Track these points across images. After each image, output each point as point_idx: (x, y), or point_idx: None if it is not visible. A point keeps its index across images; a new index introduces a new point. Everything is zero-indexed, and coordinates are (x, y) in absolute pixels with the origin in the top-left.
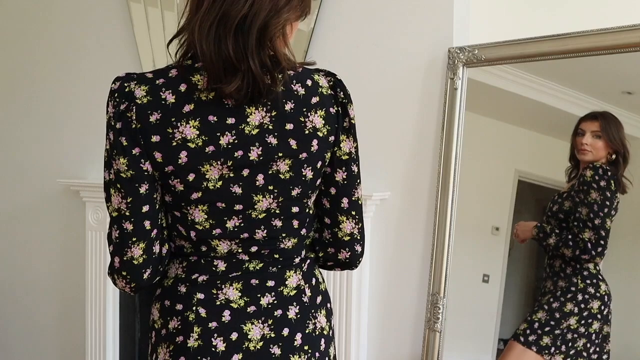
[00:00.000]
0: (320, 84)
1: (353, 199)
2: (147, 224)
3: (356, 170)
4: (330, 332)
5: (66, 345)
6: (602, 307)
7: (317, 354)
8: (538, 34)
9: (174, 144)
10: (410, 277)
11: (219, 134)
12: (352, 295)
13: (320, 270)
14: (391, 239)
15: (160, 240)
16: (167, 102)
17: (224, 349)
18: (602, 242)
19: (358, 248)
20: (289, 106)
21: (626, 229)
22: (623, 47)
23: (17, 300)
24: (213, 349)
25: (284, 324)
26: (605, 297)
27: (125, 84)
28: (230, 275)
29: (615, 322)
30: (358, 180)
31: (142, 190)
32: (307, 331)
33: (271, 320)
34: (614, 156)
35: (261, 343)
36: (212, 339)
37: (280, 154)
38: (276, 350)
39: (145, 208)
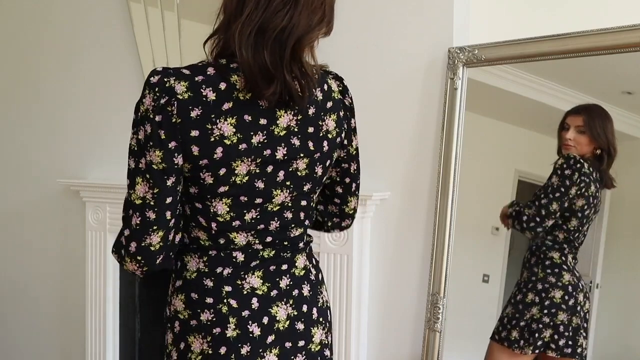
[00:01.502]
0: (332, 89)
1: (358, 182)
2: (168, 214)
3: (359, 159)
4: (329, 302)
5: (66, 345)
6: (567, 297)
7: (327, 325)
8: (538, 34)
9: (212, 139)
10: (410, 277)
11: (252, 132)
12: (352, 295)
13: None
14: (391, 239)
15: (175, 229)
16: (208, 99)
17: (259, 333)
18: (537, 219)
19: (349, 222)
20: (311, 111)
21: (626, 229)
22: (623, 47)
23: (17, 300)
24: (251, 335)
25: (302, 301)
26: (569, 287)
27: (165, 79)
28: (251, 265)
29: (615, 322)
30: (360, 167)
31: (169, 182)
32: (319, 305)
33: (292, 300)
34: (598, 151)
35: (288, 322)
36: (249, 326)
37: (301, 154)
38: (300, 326)
39: (169, 199)
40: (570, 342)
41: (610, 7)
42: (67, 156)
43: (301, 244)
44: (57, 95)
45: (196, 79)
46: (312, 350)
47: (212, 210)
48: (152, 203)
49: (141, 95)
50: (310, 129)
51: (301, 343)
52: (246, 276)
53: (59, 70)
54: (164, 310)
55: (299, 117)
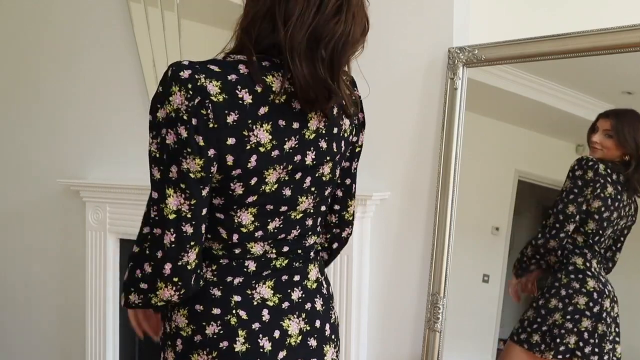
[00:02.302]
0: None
1: (355, 186)
2: (203, 227)
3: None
4: (337, 320)
5: (66, 346)
6: (591, 304)
7: (337, 343)
8: (538, 34)
9: (248, 147)
10: (410, 277)
11: (286, 138)
12: (352, 295)
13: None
14: (391, 239)
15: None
16: (245, 102)
17: (270, 348)
18: (557, 225)
19: (349, 230)
20: (335, 111)
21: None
22: (623, 47)
23: (17, 300)
24: (261, 350)
25: (315, 316)
26: (595, 293)
27: (196, 76)
28: (263, 274)
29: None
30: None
31: (204, 192)
32: (331, 321)
33: (304, 314)
34: (627, 157)
35: (300, 337)
36: (259, 340)
37: (328, 158)
38: (313, 342)
39: (204, 211)
40: (596, 350)
41: (610, 7)
42: (67, 156)
43: (312, 253)
44: (57, 95)
45: (229, 77)
46: None
47: (236, 221)
48: (189, 216)
49: (163, 91)
50: (335, 130)
51: (321, 355)
52: (257, 286)
53: (59, 70)
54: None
55: (326, 119)
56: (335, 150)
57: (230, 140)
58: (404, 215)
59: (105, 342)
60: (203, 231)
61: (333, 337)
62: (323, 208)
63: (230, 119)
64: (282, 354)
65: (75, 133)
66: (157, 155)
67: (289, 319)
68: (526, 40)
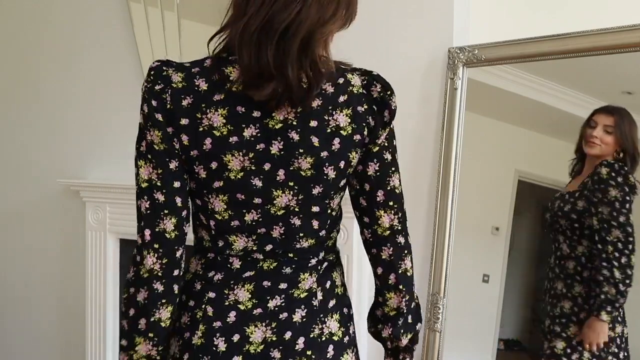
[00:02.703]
0: (352, 83)
1: (388, 188)
2: (178, 200)
3: (389, 157)
4: (346, 339)
5: (66, 345)
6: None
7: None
8: (538, 34)
9: (201, 129)
10: None
11: (244, 125)
12: (352, 295)
13: (340, 273)
14: None
15: (189, 225)
16: (200, 88)
17: (224, 349)
18: (630, 239)
19: (401, 240)
20: (315, 103)
21: None
22: (623, 47)
23: (17, 300)
24: (214, 348)
25: (287, 327)
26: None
27: (164, 68)
28: (244, 276)
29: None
30: (393, 169)
31: (172, 166)
32: (311, 335)
33: (275, 324)
34: (621, 154)
35: (262, 346)
36: (214, 338)
37: (301, 150)
38: (276, 354)
39: (177, 184)
40: (626, 354)
41: (610, 7)
42: (67, 156)
43: (313, 260)
44: (57, 95)
45: (192, 70)
46: None
47: (210, 207)
48: (158, 184)
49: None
50: (313, 123)
51: None
52: (235, 287)
53: (59, 70)
54: None
55: (298, 110)
56: (316, 144)
57: (184, 121)
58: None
59: (105, 342)
60: (178, 204)
61: (309, 352)
62: (316, 209)
63: (185, 102)
64: (237, 358)
65: (75, 133)
66: (137, 136)
67: (255, 326)
68: (526, 40)
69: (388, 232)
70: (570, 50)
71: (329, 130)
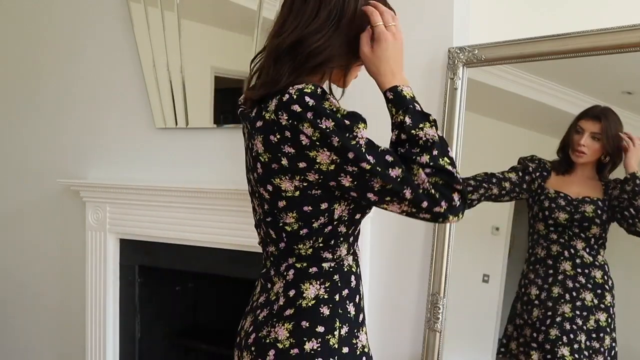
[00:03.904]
0: (268, 107)
1: (376, 189)
2: None
3: (355, 169)
4: (294, 351)
5: (66, 345)
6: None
7: (254, 355)
8: (538, 34)
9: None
10: (410, 277)
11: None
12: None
13: (321, 286)
14: (391, 239)
15: None
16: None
17: (237, 340)
18: None
19: (424, 205)
20: (249, 127)
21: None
22: (623, 47)
23: (16, 300)
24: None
25: (254, 323)
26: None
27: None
28: (261, 272)
29: (616, 322)
30: (367, 175)
31: None
32: (259, 334)
33: (252, 318)
34: (607, 158)
35: (243, 334)
36: (240, 326)
37: (249, 167)
38: (243, 342)
39: None
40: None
41: (610, 7)
42: (67, 156)
43: (282, 266)
44: (57, 95)
45: None
46: None
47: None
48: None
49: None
50: (249, 145)
51: (241, 358)
52: (257, 284)
53: (59, 70)
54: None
55: (245, 132)
56: (251, 164)
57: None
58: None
59: (105, 342)
60: None
61: (253, 349)
62: (269, 219)
63: None
64: (238, 339)
65: (75, 133)
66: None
67: (246, 317)
68: (526, 40)
69: (404, 213)
70: (570, 50)
71: (253, 153)
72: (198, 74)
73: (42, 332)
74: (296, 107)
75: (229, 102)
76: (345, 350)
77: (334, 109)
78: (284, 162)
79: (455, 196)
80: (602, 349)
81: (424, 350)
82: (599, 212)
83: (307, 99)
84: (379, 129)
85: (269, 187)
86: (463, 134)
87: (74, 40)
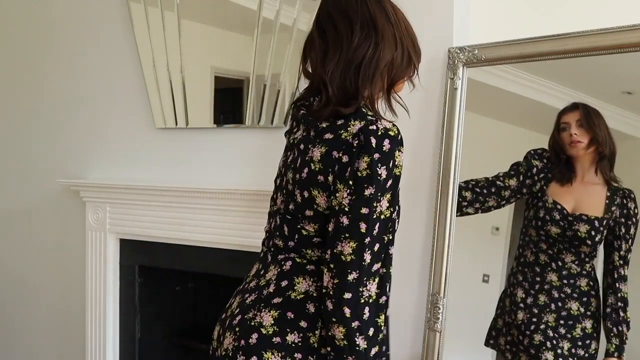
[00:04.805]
0: (347, 127)
1: (335, 251)
2: None
3: (345, 222)
4: (276, 339)
5: (66, 345)
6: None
7: (242, 342)
8: (538, 34)
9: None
10: (410, 277)
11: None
12: None
13: (313, 284)
14: None
15: None
16: None
17: (223, 315)
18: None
19: (328, 304)
20: (311, 133)
21: None
22: (623, 47)
23: (16, 300)
24: (223, 315)
25: (241, 305)
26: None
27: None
28: (260, 257)
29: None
30: (345, 235)
31: None
32: (245, 317)
33: (240, 300)
34: (601, 149)
35: (229, 313)
36: (229, 303)
37: (291, 166)
38: (229, 322)
39: None
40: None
41: (610, 7)
42: (68, 156)
43: (280, 256)
44: (57, 95)
45: None
46: (218, 354)
47: None
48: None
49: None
50: (301, 146)
51: (224, 337)
52: (252, 267)
53: (59, 70)
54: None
55: (303, 134)
56: (297, 166)
57: None
58: (404, 215)
59: (105, 342)
60: None
61: (237, 329)
62: (289, 217)
63: None
64: (223, 315)
65: (75, 133)
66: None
67: (234, 297)
68: (526, 40)
69: (324, 289)
70: (570, 50)
71: (306, 158)
72: (198, 74)
73: (42, 332)
74: (373, 142)
75: (229, 102)
76: (323, 351)
77: (397, 164)
78: (330, 179)
79: (339, 334)
80: (586, 355)
81: (424, 350)
82: (593, 233)
83: (387, 142)
84: None
85: (305, 194)
86: (463, 134)
87: (74, 40)
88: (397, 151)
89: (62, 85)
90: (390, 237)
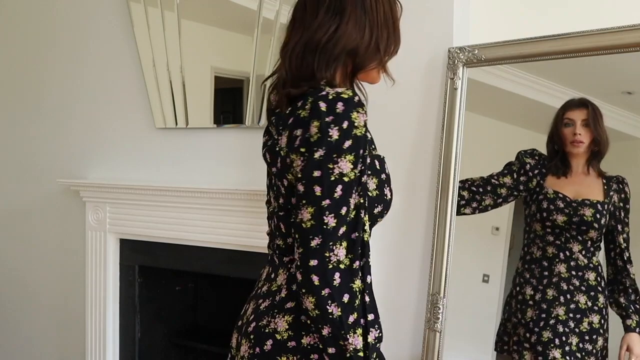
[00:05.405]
0: (305, 105)
1: (297, 220)
2: None
3: (301, 189)
4: (291, 343)
5: (66, 346)
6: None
7: (257, 349)
8: (538, 34)
9: None
10: (410, 277)
11: None
12: None
13: None
14: (391, 239)
15: None
16: None
17: (239, 323)
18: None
19: (298, 276)
20: (280, 123)
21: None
22: (623, 47)
23: (16, 300)
24: (239, 321)
25: (255, 312)
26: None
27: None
28: (268, 260)
29: (616, 321)
30: (302, 202)
31: None
32: (259, 323)
33: (255, 306)
34: (596, 148)
35: (245, 320)
36: (243, 310)
37: (269, 161)
38: (245, 329)
39: None
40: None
41: (610, 7)
42: (68, 156)
43: (286, 259)
44: (57, 95)
45: None
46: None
47: None
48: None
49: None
50: (271, 141)
51: (240, 345)
52: (263, 271)
53: (59, 70)
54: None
55: (277, 126)
56: (269, 160)
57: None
58: (404, 215)
59: (105, 342)
60: None
61: (252, 337)
62: (282, 214)
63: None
64: (239, 322)
65: (75, 133)
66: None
67: (249, 302)
68: (526, 40)
69: (295, 263)
70: (570, 50)
71: (277, 149)
72: (198, 74)
73: (42, 332)
74: (322, 106)
75: (229, 102)
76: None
77: (357, 125)
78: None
79: (310, 304)
80: (594, 351)
81: (424, 350)
82: (598, 216)
83: (340, 104)
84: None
85: (285, 182)
86: (463, 134)
87: (74, 40)
88: (354, 112)
89: (62, 86)
90: (378, 207)
